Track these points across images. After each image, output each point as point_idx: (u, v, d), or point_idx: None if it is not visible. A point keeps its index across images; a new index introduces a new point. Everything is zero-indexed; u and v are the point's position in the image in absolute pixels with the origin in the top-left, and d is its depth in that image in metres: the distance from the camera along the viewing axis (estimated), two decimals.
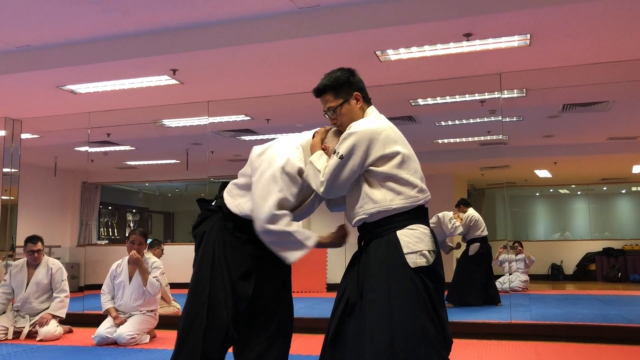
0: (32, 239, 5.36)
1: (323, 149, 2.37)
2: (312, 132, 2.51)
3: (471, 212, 7.31)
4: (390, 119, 2.46)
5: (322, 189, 2.25)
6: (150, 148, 9.36)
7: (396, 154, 2.20)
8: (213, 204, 2.58)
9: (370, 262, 2.17)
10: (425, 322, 2.05)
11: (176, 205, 14.81)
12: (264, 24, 4.33)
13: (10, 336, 5.13)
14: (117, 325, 4.90)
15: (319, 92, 2.40)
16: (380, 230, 2.18)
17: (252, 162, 2.47)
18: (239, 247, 2.47)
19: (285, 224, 2.33)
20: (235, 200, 2.48)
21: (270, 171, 2.35)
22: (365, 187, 2.21)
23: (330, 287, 9.66)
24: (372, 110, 2.38)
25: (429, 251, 2.14)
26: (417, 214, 2.20)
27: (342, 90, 2.35)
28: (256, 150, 2.51)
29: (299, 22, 4.26)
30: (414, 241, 2.13)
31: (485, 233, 7.31)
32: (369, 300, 2.11)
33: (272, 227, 2.31)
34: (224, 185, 2.61)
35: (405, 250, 2.11)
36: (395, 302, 2.06)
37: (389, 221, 2.17)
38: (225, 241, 2.46)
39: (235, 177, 2.60)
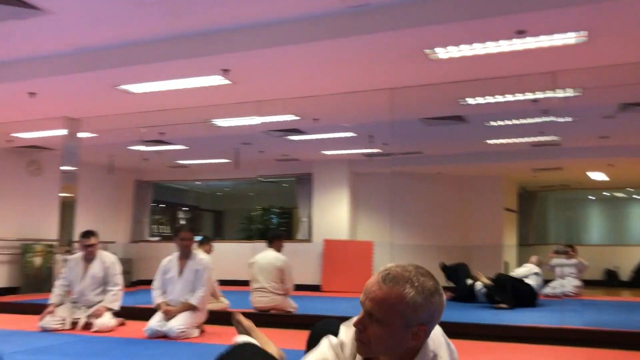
0: (86, 234, 5.56)
1: None
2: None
3: None
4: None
5: None
6: (201, 147, 9.56)
7: None
8: None
9: None
10: None
11: (225, 204, 15.07)
12: (313, 24, 4.36)
13: (67, 326, 5.34)
14: (167, 320, 5.02)
15: None
16: None
17: None
18: None
19: None
20: None
21: None
22: None
23: None
24: None
25: None
26: None
27: None
28: None
29: (347, 21, 4.27)
30: None
31: None
32: None
33: None
34: None
35: None
36: None
37: None
38: None
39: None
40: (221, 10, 4.29)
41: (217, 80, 5.31)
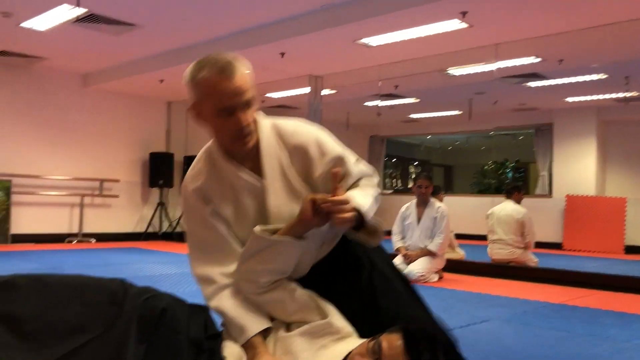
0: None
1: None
2: None
3: None
4: None
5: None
6: (433, 99, 9.51)
7: None
8: None
9: None
10: None
11: (456, 159, 14.86)
12: None
13: None
14: (407, 263, 5.19)
15: None
16: None
17: None
18: None
19: None
20: None
21: None
22: None
23: (629, 249, 8.64)
24: None
25: None
26: None
27: None
28: None
29: None
30: None
31: None
32: None
33: None
34: None
35: None
36: None
37: None
38: None
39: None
40: None
41: (455, 24, 5.16)
